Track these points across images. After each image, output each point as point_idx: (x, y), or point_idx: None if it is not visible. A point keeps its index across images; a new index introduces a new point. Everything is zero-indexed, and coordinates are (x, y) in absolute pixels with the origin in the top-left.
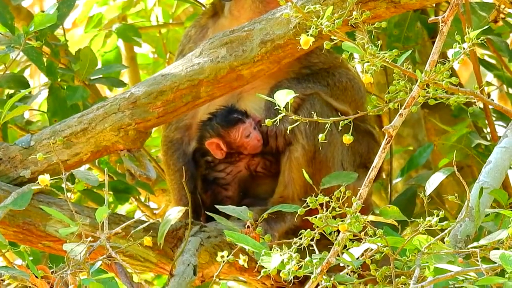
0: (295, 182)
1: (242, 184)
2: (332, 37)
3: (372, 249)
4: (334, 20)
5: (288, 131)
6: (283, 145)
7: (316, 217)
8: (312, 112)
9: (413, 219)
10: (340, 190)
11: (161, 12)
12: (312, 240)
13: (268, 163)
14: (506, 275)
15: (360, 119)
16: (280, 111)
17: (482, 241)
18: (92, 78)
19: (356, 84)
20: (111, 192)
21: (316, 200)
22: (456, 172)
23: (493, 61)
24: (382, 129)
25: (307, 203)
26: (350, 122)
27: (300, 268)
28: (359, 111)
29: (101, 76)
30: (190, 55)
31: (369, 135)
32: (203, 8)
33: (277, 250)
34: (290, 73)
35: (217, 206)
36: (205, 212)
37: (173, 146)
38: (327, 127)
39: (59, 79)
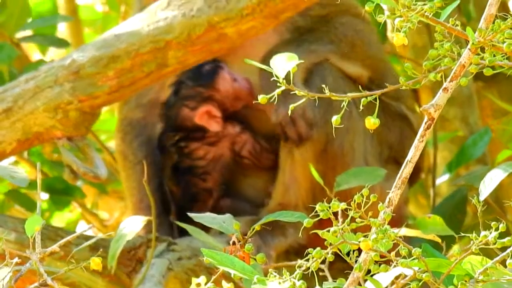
0: (300, 184)
1: (225, 174)
2: None
3: (406, 276)
4: None
5: (289, 111)
6: (307, 131)
7: (328, 231)
8: (323, 86)
9: (462, 234)
10: (362, 194)
11: None
12: (323, 262)
13: (258, 148)
14: None
15: (392, 97)
16: (279, 84)
17: None
18: (22, 36)
19: (366, 37)
20: (44, 198)
21: (329, 207)
22: None
23: None
24: (421, 109)
25: (316, 211)
26: (375, 98)
27: None
28: (383, 76)
29: (31, 34)
30: (154, 7)
31: (402, 120)
32: None
33: (275, 276)
34: (284, 32)
35: (191, 215)
36: (178, 208)
37: (133, 130)
38: (343, 106)
39: None
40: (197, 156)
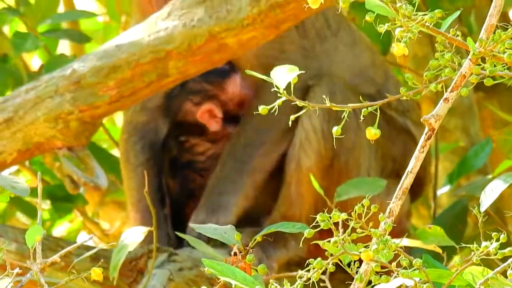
0: (305, 199)
1: None
2: None
3: (407, 286)
4: None
5: (290, 121)
6: None
7: (329, 241)
8: (323, 96)
9: (463, 245)
10: (362, 204)
11: None
12: (324, 273)
13: None
14: None
15: (397, 110)
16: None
17: None
18: (42, 31)
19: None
20: (45, 207)
21: (330, 217)
22: None
23: None
24: (421, 120)
25: (316, 221)
26: (376, 109)
27: None
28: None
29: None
30: (155, 17)
31: (406, 134)
32: None
33: (276, 286)
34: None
35: (192, 226)
36: (173, 203)
37: (137, 133)
38: (344, 116)
39: None
40: (197, 152)
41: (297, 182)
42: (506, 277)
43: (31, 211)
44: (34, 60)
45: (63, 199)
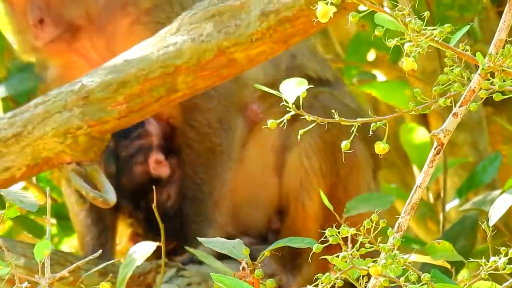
0: (310, 234)
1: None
2: (361, 7)
3: None
4: None
5: (299, 136)
6: None
7: (338, 256)
8: (332, 111)
9: (471, 259)
10: (371, 219)
11: None
12: None
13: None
14: None
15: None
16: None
17: None
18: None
19: None
20: (53, 222)
21: (338, 232)
22: None
23: None
24: (430, 134)
25: (325, 236)
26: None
27: None
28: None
29: None
30: (164, 32)
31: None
32: None
33: None
34: None
35: (200, 239)
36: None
37: None
38: (353, 130)
39: None
40: (163, 199)
41: (302, 219)
42: None
43: (37, 231)
44: None
45: (70, 218)
